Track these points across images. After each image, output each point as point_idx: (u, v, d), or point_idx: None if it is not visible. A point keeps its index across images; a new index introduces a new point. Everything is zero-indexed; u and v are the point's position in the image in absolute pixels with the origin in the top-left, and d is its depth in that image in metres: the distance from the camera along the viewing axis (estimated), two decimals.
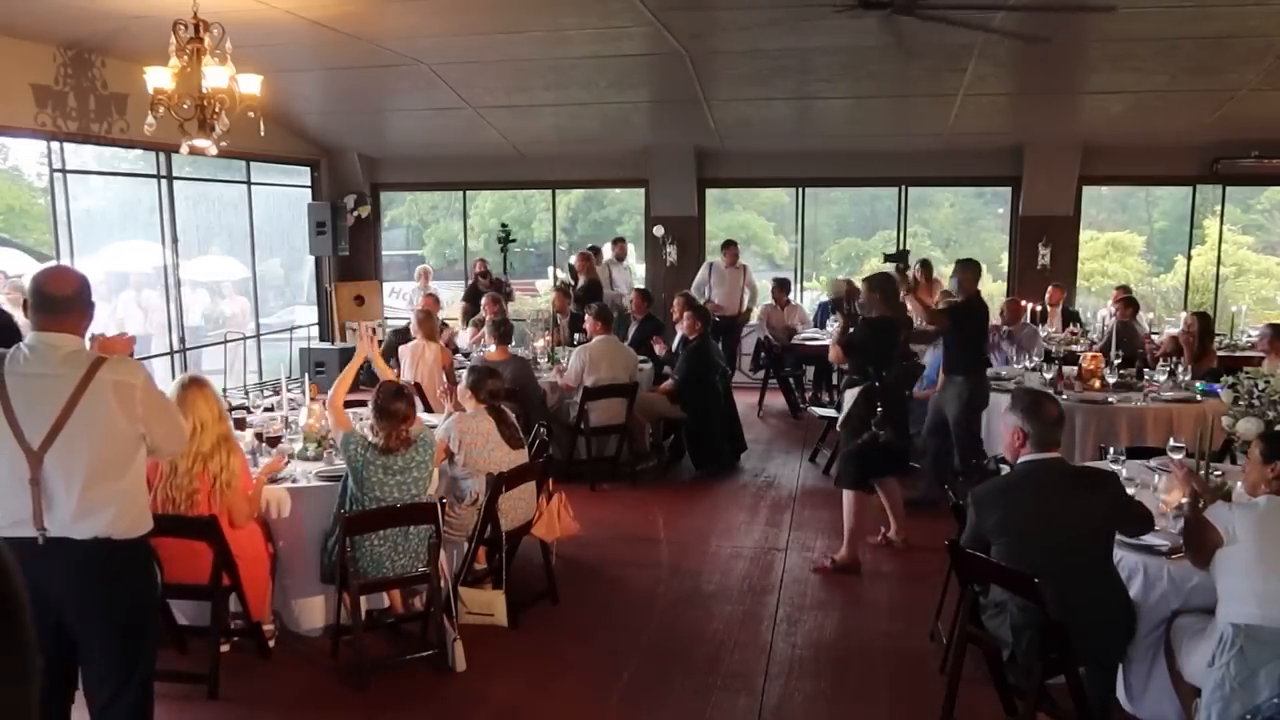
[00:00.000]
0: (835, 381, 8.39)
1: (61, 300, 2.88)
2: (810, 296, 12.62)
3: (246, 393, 8.41)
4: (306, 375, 7.51)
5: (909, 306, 6.16)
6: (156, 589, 3.36)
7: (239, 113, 5.74)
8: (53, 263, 7.02)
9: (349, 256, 11.24)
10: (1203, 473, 4.01)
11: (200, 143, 5.74)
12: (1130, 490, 3.81)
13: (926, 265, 9.25)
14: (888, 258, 6.50)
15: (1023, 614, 3.37)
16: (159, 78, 5.53)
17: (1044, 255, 10.47)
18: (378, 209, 12.19)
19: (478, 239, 16.87)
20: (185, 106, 5.62)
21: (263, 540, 4.36)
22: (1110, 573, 3.47)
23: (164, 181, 8.96)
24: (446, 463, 4.91)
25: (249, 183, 10.41)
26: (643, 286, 10.26)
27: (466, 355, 8.18)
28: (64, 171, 7.74)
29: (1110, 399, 6.31)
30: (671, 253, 11.17)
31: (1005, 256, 11.61)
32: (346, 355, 8.68)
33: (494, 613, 4.67)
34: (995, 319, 8.88)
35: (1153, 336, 8.47)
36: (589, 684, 4.21)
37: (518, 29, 7.13)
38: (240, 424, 5.10)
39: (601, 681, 4.21)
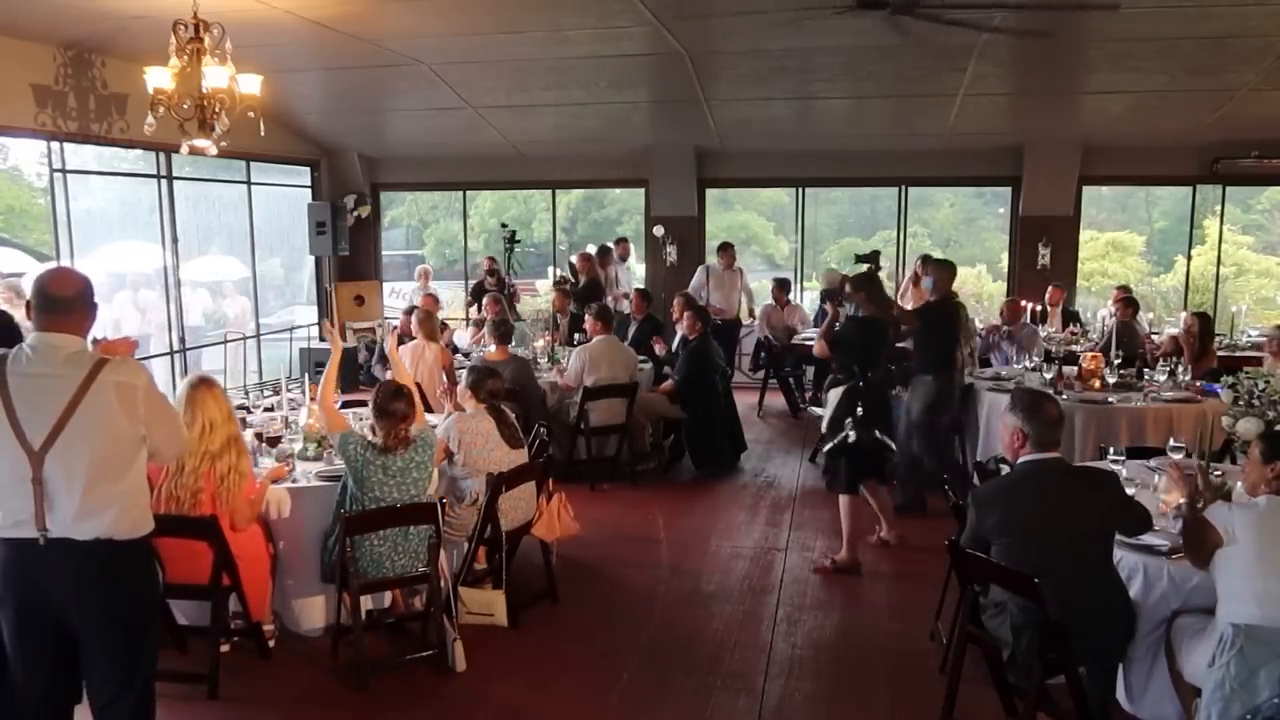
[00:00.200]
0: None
1: (64, 301, 2.88)
2: (810, 296, 12.61)
3: (246, 393, 8.40)
4: (306, 375, 7.53)
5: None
6: (158, 589, 3.37)
7: (239, 113, 5.75)
8: (55, 264, 7.04)
9: (349, 256, 11.25)
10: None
11: (200, 143, 5.75)
12: (1130, 490, 3.82)
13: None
14: (859, 258, 6.39)
15: (1023, 614, 3.37)
16: (159, 78, 5.53)
17: (1044, 255, 10.47)
18: (378, 209, 12.20)
19: (478, 239, 16.89)
20: (185, 106, 5.63)
21: (263, 540, 4.37)
22: (1110, 573, 3.47)
23: (164, 181, 8.96)
24: (446, 463, 4.92)
25: (249, 183, 10.42)
26: (642, 286, 10.27)
27: (466, 355, 8.19)
28: (64, 171, 7.74)
29: (1110, 399, 6.31)
30: (671, 253, 11.18)
31: (1005, 256, 11.61)
32: (347, 356, 8.70)
33: (494, 613, 4.68)
34: (995, 319, 8.91)
35: (1153, 336, 8.48)
36: (589, 684, 4.21)
37: (518, 29, 7.14)
38: (240, 424, 5.09)
39: (601, 681, 4.22)
